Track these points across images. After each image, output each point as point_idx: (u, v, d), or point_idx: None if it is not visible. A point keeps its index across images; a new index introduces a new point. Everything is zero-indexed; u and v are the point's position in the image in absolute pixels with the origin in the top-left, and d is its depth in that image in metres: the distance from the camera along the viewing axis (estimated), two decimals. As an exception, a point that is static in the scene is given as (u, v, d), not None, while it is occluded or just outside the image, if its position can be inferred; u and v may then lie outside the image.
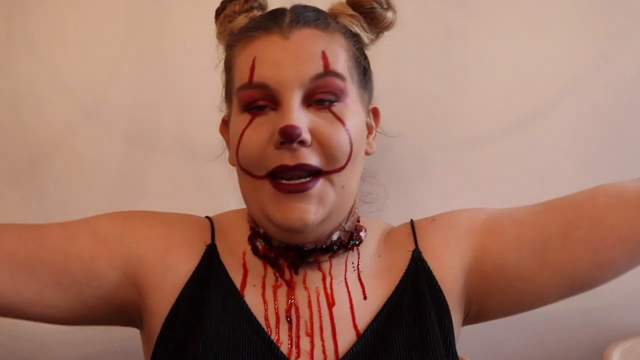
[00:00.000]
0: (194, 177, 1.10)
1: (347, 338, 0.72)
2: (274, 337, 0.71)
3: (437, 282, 0.76)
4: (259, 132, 0.69)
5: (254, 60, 0.70)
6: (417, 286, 0.75)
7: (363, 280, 0.76)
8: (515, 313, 0.80)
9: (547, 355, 1.12)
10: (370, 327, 0.73)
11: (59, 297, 0.72)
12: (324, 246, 0.74)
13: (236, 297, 0.73)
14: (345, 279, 0.76)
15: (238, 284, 0.75)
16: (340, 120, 0.70)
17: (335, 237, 0.75)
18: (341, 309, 0.74)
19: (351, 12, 0.76)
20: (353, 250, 0.78)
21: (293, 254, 0.74)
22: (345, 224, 0.76)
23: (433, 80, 1.09)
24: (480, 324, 0.82)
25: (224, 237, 0.79)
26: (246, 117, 0.71)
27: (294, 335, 0.72)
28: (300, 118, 0.68)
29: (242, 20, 0.76)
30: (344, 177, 0.71)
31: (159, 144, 1.10)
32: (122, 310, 0.76)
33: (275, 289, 0.75)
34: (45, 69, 1.09)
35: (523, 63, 1.09)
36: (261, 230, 0.76)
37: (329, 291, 0.75)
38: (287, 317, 0.73)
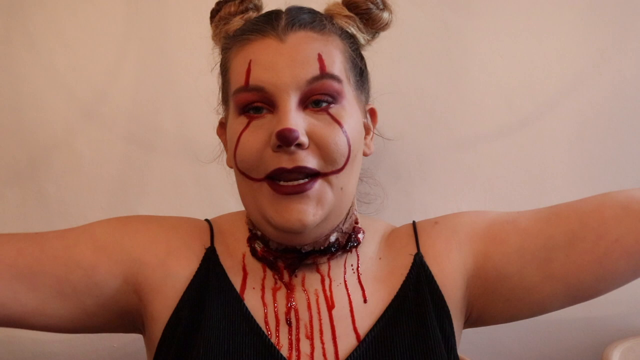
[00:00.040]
0: (194, 177, 1.10)
1: (347, 341, 0.72)
2: (274, 340, 0.71)
3: (438, 287, 0.75)
4: (256, 135, 0.69)
5: (249, 63, 0.70)
6: (418, 291, 0.75)
7: (363, 283, 0.76)
8: (516, 320, 0.80)
9: (547, 356, 1.11)
10: (372, 331, 0.72)
11: (61, 307, 0.73)
12: (321, 248, 0.74)
13: (236, 300, 0.73)
14: (345, 281, 0.76)
15: (238, 287, 0.75)
16: (337, 122, 0.69)
17: (333, 238, 0.75)
18: (341, 312, 0.74)
19: (347, 13, 0.76)
20: (351, 252, 0.77)
21: (291, 256, 0.74)
22: (343, 225, 0.76)
23: (432, 80, 1.09)
24: (480, 324, 0.82)
25: (223, 239, 0.79)
26: (243, 120, 0.71)
27: (294, 338, 0.72)
28: (297, 121, 0.67)
29: (237, 22, 0.76)
30: (343, 179, 0.71)
31: (159, 144, 1.10)
32: (123, 316, 0.76)
33: (274, 291, 0.75)
34: (45, 69, 1.09)
35: (523, 63, 1.08)
36: (259, 233, 0.76)
37: (328, 293, 0.75)
38: (286, 319, 0.73)
